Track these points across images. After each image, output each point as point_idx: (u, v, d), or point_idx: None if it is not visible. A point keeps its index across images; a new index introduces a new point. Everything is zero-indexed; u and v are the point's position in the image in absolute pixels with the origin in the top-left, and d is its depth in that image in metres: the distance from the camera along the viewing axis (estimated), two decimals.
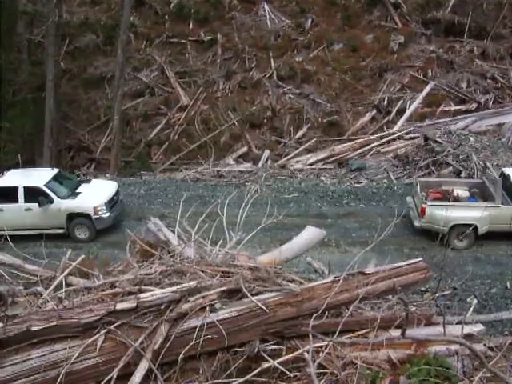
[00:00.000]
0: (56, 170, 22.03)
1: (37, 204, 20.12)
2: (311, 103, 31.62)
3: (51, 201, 20.19)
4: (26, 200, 20.25)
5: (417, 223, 19.12)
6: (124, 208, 22.02)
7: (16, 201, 20.28)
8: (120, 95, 28.36)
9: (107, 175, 26.34)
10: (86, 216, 20.29)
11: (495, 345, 9.07)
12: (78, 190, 21.16)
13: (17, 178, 21.15)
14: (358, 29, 34.63)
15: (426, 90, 30.95)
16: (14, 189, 20.32)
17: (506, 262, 18.01)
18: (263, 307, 8.42)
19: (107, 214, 20.42)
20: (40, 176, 21.18)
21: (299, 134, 30.58)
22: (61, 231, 20.31)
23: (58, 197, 20.34)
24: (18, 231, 19.24)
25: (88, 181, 22.72)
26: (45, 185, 20.48)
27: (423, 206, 18.88)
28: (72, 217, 20.34)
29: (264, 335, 8.49)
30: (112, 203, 20.94)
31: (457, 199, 19.38)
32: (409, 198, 20.71)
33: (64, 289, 9.66)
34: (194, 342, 8.19)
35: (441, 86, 31.42)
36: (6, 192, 20.35)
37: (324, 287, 8.89)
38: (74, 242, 19.90)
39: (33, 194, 20.18)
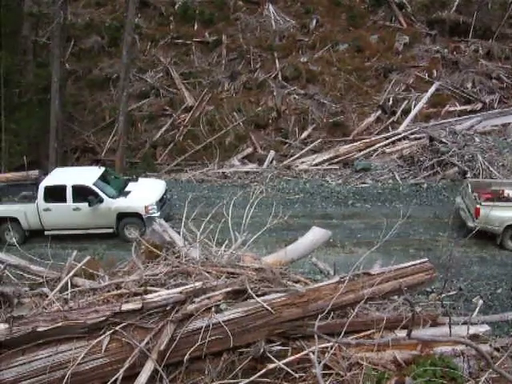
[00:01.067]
0: (103, 169, 21.69)
1: (85, 203, 19.82)
2: (316, 104, 31.61)
3: (101, 200, 19.92)
4: (75, 199, 19.95)
5: (470, 224, 18.82)
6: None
7: (64, 200, 19.98)
8: (125, 96, 28.37)
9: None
10: (137, 215, 20.02)
11: (501, 345, 9.05)
12: (126, 189, 20.86)
13: (63, 176, 20.92)
14: (362, 29, 34.65)
15: (431, 90, 30.92)
16: (62, 188, 20.06)
17: None
18: (268, 308, 8.42)
19: (157, 214, 19.91)
20: (87, 175, 20.89)
21: (304, 134, 30.58)
22: (110, 231, 20.14)
23: (108, 196, 20.07)
24: (66, 231, 19.21)
25: (135, 179, 22.24)
26: (94, 184, 20.19)
27: (477, 206, 18.66)
28: (121, 216, 20.11)
29: (269, 336, 8.48)
30: (162, 202, 20.67)
31: (508, 199, 19.36)
32: (458, 199, 20.55)
33: (70, 290, 9.67)
34: (199, 342, 8.20)
35: (446, 86, 31.39)
36: (53, 191, 20.07)
37: (329, 288, 8.88)
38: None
39: (81, 193, 19.89)
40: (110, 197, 20.08)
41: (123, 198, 20.35)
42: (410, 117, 29.65)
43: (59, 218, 19.79)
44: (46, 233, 19.93)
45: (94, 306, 8.54)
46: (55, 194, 20.01)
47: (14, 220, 20.08)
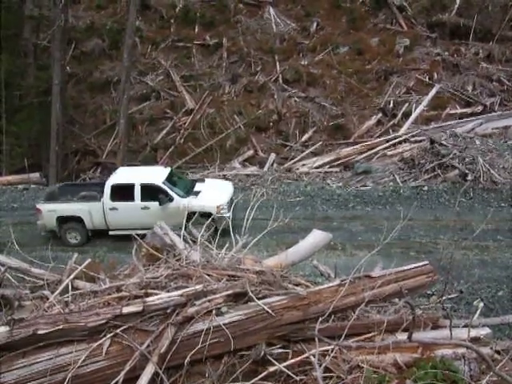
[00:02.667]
0: (169, 169, 21.38)
1: (154, 202, 19.53)
2: (317, 106, 31.66)
3: (171, 199, 19.57)
4: (143, 198, 19.60)
5: None
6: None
7: (132, 199, 19.60)
8: (126, 99, 28.42)
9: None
10: (207, 215, 19.12)
11: (502, 348, 9.04)
12: (196, 189, 20.49)
13: (130, 175, 20.55)
14: (363, 32, 34.70)
15: (432, 92, 30.95)
16: (131, 187, 19.62)
17: None
18: (269, 311, 8.41)
19: (228, 214, 19.30)
20: (155, 174, 20.54)
21: (305, 137, 30.62)
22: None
23: (178, 195, 19.79)
24: (133, 230, 18.83)
25: (202, 180, 21.93)
26: (163, 182, 19.85)
27: None
28: (191, 216, 19.57)
29: (270, 339, 8.48)
30: (231, 203, 20.12)
31: None
32: None
33: (70, 292, 9.67)
34: (200, 345, 8.18)
35: (446, 88, 31.42)
36: (121, 190, 19.64)
37: (330, 291, 8.87)
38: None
39: (150, 192, 19.55)
40: (179, 196, 19.72)
41: (194, 197, 19.97)
42: (411, 119, 29.67)
43: (126, 218, 19.39)
44: (110, 233, 19.83)
45: (95, 309, 8.53)
46: (122, 192, 19.57)
47: (78, 219, 19.75)
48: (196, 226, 19.23)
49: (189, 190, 20.33)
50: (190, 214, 19.24)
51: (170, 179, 20.30)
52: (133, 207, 19.57)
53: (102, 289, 9.48)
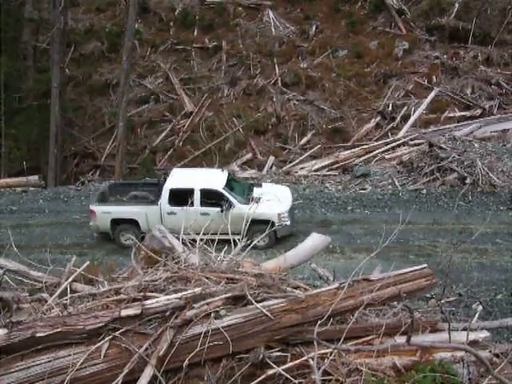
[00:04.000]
0: (226, 172, 20.92)
1: (214, 208, 19.02)
2: (316, 110, 31.69)
3: (232, 206, 19.13)
4: (202, 204, 19.20)
5: None
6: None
7: (191, 204, 18.64)
8: (125, 102, 28.43)
9: (112, 181, 26.35)
10: (268, 223, 18.87)
11: (501, 351, 9.03)
12: (255, 195, 19.97)
13: (189, 179, 20.05)
14: (362, 35, 34.74)
15: (431, 96, 30.98)
16: (190, 191, 19.03)
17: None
18: (268, 314, 8.41)
19: (289, 222, 19.37)
20: (214, 178, 20.09)
21: (304, 140, 30.64)
22: (237, 237, 19.21)
23: (238, 201, 19.32)
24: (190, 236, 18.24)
25: (259, 185, 21.45)
26: (223, 188, 19.46)
27: None
28: (251, 223, 19.22)
29: (269, 342, 8.47)
30: (291, 210, 19.99)
31: None
32: None
33: (69, 295, 9.66)
34: (198, 348, 8.17)
35: (445, 92, 31.46)
36: (179, 194, 19.04)
37: (329, 294, 8.87)
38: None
39: (210, 197, 19.18)
40: (240, 202, 19.26)
41: (255, 204, 19.00)
42: (410, 123, 29.70)
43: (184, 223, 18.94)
44: None
45: (94, 312, 8.52)
46: (181, 197, 18.77)
47: (133, 222, 19.44)
48: (256, 234, 19.12)
49: (248, 196, 19.83)
50: (250, 221, 19.25)
51: (228, 184, 19.87)
52: (192, 212, 18.54)
53: (101, 292, 9.46)
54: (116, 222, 19.67)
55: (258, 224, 18.65)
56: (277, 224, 18.99)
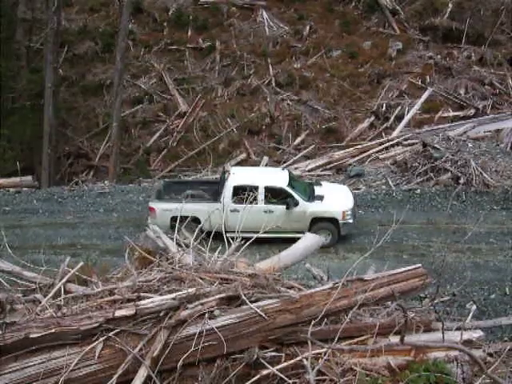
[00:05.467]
0: (287, 171, 20.74)
1: (279, 206, 18.89)
2: (310, 110, 31.72)
3: (296, 203, 18.96)
4: (266, 201, 18.97)
5: None
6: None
7: (255, 201, 18.39)
8: (119, 102, 28.39)
9: (106, 182, 26.29)
10: (332, 220, 19.14)
11: (494, 351, 9.07)
12: (318, 193, 19.80)
13: (252, 176, 19.86)
14: (356, 35, 34.78)
15: (425, 96, 31.04)
16: (254, 189, 18.53)
17: (505, 267, 18.00)
18: (262, 314, 8.42)
19: (352, 220, 19.27)
20: (277, 176, 19.97)
21: (298, 140, 30.66)
22: (300, 236, 19.05)
23: (302, 199, 19.18)
24: (253, 234, 17.96)
25: (319, 183, 21.10)
26: (288, 185, 19.28)
27: None
28: (315, 221, 19.11)
29: (263, 342, 8.48)
30: (354, 209, 19.87)
31: None
32: None
33: (63, 296, 9.65)
34: (192, 348, 8.18)
35: (439, 92, 31.52)
36: (243, 191, 18.27)
37: (323, 294, 8.88)
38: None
39: (274, 194, 18.93)
40: (304, 200, 19.16)
41: (319, 202, 19.43)
42: (404, 123, 29.73)
43: (247, 221, 18.76)
44: (227, 235, 19.14)
45: (87, 313, 8.51)
46: (244, 194, 18.39)
47: (195, 220, 18.59)
48: (318, 232, 18.39)
49: (311, 194, 19.74)
50: (315, 219, 19.07)
51: (290, 182, 19.72)
52: (255, 210, 18.29)
53: (95, 292, 9.45)
54: (176, 220, 19.27)
55: (322, 222, 18.94)
56: (341, 222, 19.02)
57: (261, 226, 17.84)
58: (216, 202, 19.45)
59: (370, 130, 30.59)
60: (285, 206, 18.94)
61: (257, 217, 18.24)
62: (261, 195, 18.94)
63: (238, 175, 19.94)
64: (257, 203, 18.70)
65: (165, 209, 19.08)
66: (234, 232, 18.64)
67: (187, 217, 19.13)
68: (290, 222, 18.72)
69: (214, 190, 20.65)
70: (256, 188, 18.84)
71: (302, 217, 19.00)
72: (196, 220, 18.82)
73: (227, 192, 19.20)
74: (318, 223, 19.15)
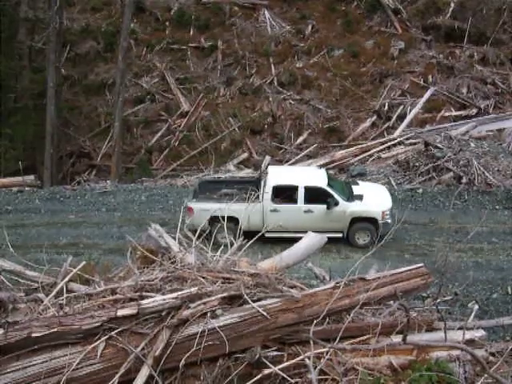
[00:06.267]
0: (324, 170, 20.62)
1: (318, 206, 18.74)
2: (312, 109, 31.70)
3: (336, 203, 18.77)
4: (306, 201, 18.83)
5: None
6: None
7: (295, 201, 18.85)
8: (121, 101, 28.41)
9: (108, 181, 26.30)
10: (372, 220, 18.94)
11: (497, 350, 9.06)
12: (357, 193, 19.65)
13: (291, 176, 19.83)
14: (358, 35, 34.75)
15: (427, 95, 31.00)
16: (294, 188, 18.89)
17: (507, 267, 17.98)
18: (264, 313, 8.42)
19: (390, 220, 19.02)
20: (315, 175, 19.85)
21: (300, 139, 30.65)
22: (339, 235, 18.93)
23: (342, 199, 18.99)
24: (292, 233, 17.65)
25: (356, 183, 20.97)
26: (327, 185, 19.10)
27: None
28: (354, 220, 18.99)
29: (265, 341, 8.48)
30: (391, 208, 19.66)
31: None
32: None
33: (65, 295, 9.65)
34: (195, 348, 8.18)
35: (441, 91, 31.49)
36: (282, 191, 18.92)
37: (325, 293, 8.88)
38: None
39: (313, 194, 18.77)
40: (344, 200, 19.01)
41: (358, 201, 19.27)
42: (406, 122, 29.71)
43: (287, 220, 18.14)
44: (266, 235, 18.26)
45: (90, 312, 8.52)
46: (284, 194, 18.87)
47: (233, 219, 18.43)
48: (358, 232, 18.91)
49: (350, 194, 19.61)
50: (354, 219, 18.94)
51: (329, 181, 19.58)
52: (295, 210, 18.83)
53: (97, 291, 9.46)
54: (214, 220, 18.44)
55: (361, 222, 18.85)
56: (380, 222, 18.90)
57: (300, 225, 17.98)
58: (255, 201, 19.15)
59: (372, 130, 30.58)
60: (325, 206, 18.83)
61: (296, 217, 18.60)
62: (300, 195, 18.89)
63: (278, 175, 19.84)
64: (296, 203, 18.85)
65: (203, 209, 18.84)
66: (274, 232, 18.97)
67: (225, 217, 19.02)
68: (329, 222, 18.69)
69: (249, 189, 20.58)
70: (296, 188, 18.90)
71: (342, 216, 18.87)
72: (234, 220, 18.84)
73: (267, 192, 19.09)
74: (357, 223, 19.05)
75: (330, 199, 18.80)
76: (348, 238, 19.09)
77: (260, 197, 19.18)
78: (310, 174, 20.20)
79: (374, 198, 19.63)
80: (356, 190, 19.97)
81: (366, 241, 18.99)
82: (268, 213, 18.97)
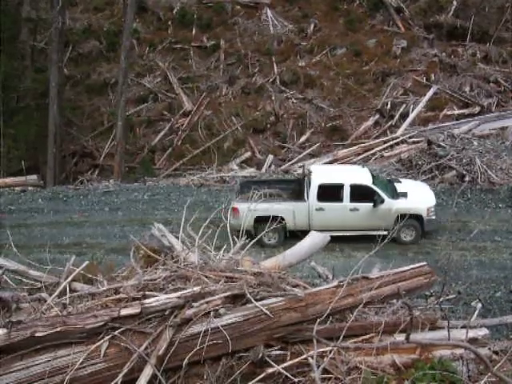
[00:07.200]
0: (366, 168, 20.78)
1: (364, 204, 18.87)
2: (314, 108, 31.69)
3: (382, 200, 18.89)
4: (352, 199, 18.92)
5: None
6: None
7: (340, 200, 18.95)
8: (123, 101, 28.43)
9: (111, 181, 26.32)
10: (417, 217, 19.04)
11: (500, 349, 9.05)
12: (401, 190, 19.77)
13: (336, 175, 19.92)
14: (360, 33, 34.71)
15: (429, 94, 30.96)
16: (339, 187, 18.98)
17: (511, 265, 17.98)
18: (267, 312, 8.41)
19: (435, 216, 19.25)
20: (359, 173, 19.94)
21: (302, 138, 30.63)
22: (384, 233, 19.02)
23: (387, 196, 19.08)
24: (334, 232, 17.74)
25: (398, 181, 21.13)
26: (373, 183, 19.21)
27: None
28: (399, 218, 18.66)
29: (268, 340, 8.48)
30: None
31: None
32: None
33: (68, 295, 9.66)
34: (198, 347, 8.18)
35: (444, 89, 31.44)
36: (328, 190, 18.93)
37: (328, 292, 8.88)
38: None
39: (359, 192, 18.90)
40: (389, 197, 19.10)
41: (403, 199, 19.39)
42: (408, 120, 29.67)
43: (332, 219, 18.67)
44: None
45: (93, 311, 8.52)
46: (329, 192, 18.87)
47: (279, 219, 18.41)
48: (404, 229, 18.88)
49: (394, 191, 19.69)
50: (399, 216, 18.77)
51: (373, 179, 19.68)
52: (341, 208, 18.92)
53: (100, 291, 9.47)
54: (260, 220, 18.67)
55: (408, 218, 18.44)
56: (425, 218, 19.01)
57: (346, 224, 18.12)
58: (301, 201, 19.41)
59: (374, 128, 30.55)
60: (371, 204, 18.92)
61: (342, 215, 18.72)
62: (346, 193, 18.95)
63: (322, 174, 19.90)
64: (342, 201, 18.90)
65: (249, 209, 18.99)
66: (319, 231, 18.97)
67: (270, 216, 19.03)
68: (374, 220, 18.72)
69: (291, 189, 20.74)
70: (341, 186, 18.97)
71: (388, 214, 18.89)
72: (281, 219, 18.76)
73: (312, 191, 19.11)
74: (402, 220, 19.01)
75: (376, 197, 18.88)
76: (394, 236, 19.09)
77: (305, 196, 19.28)
78: (354, 172, 20.28)
79: (418, 195, 19.74)
80: (399, 187, 20.05)
81: (412, 238, 19.17)
82: (313, 212, 19.02)
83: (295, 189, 20.60)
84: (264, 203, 18.85)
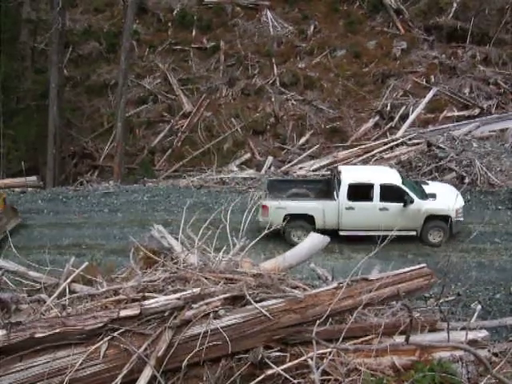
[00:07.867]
0: (395, 169, 20.98)
1: (394, 203, 18.92)
2: (314, 110, 31.69)
3: (412, 201, 18.93)
4: (381, 199, 18.98)
5: None
6: None
7: (370, 199, 19.02)
8: (123, 102, 28.43)
9: (110, 182, 26.31)
10: (445, 218, 19.08)
11: (500, 351, 9.05)
12: (429, 192, 19.86)
13: (365, 174, 19.98)
14: (360, 35, 34.72)
15: (429, 95, 30.97)
16: (369, 186, 19.07)
17: (510, 267, 17.98)
18: (267, 314, 8.41)
19: (462, 218, 19.28)
20: (388, 174, 20.09)
21: (302, 140, 30.64)
22: (412, 233, 19.09)
23: (417, 197, 19.14)
24: (363, 232, 18.47)
25: (426, 182, 21.21)
26: (402, 183, 19.31)
27: None
28: (428, 219, 19.16)
29: (268, 342, 8.48)
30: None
31: None
32: None
33: (67, 296, 9.68)
34: (197, 348, 8.18)
35: (444, 91, 31.44)
36: (357, 189, 19.03)
37: (328, 293, 8.88)
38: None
39: (388, 192, 18.98)
40: (418, 198, 19.16)
41: (432, 199, 19.46)
42: (408, 122, 29.67)
43: (362, 218, 18.81)
44: (341, 233, 19.10)
45: (92, 312, 8.52)
46: (359, 192, 19.01)
47: (308, 218, 19.07)
48: (432, 230, 19.08)
49: (422, 192, 19.74)
50: (428, 217, 19.11)
51: (402, 180, 19.76)
52: (370, 208, 19.00)
53: (100, 292, 9.47)
54: (289, 218, 19.01)
55: (435, 220, 18.97)
56: (454, 219, 19.02)
57: (375, 223, 18.00)
58: (331, 199, 19.45)
59: (374, 130, 30.55)
60: (401, 204, 18.98)
61: (371, 214, 18.77)
62: (376, 193, 19.01)
63: (352, 173, 19.98)
64: (372, 201, 19.00)
65: (279, 207, 19.03)
66: (348, 230, 19.07)
67: (300, 215, 19.14)
68: (404, 220, 18.57)
69: (318, 189, 20.85)
70: (371, 186, 19.05)
71: (417, 214, 18.99)
72: (310, 218, 18.84)
73: (342, 190, 19.15)
74: (430, 221, 19.16)
75: (406, 197, 18.93)
76: (421, 237, 19.25)
77: (335, 195, 19.36)
78: (383, 173, 20.38)
79: (446, 196, 19.70)
80: (427, 188, 20.13)
81: (439, 239, 19.17)
82: (343, 211, 19.09)
83: (323, 188, 20.75)
84: (294, 201, 19.04)
